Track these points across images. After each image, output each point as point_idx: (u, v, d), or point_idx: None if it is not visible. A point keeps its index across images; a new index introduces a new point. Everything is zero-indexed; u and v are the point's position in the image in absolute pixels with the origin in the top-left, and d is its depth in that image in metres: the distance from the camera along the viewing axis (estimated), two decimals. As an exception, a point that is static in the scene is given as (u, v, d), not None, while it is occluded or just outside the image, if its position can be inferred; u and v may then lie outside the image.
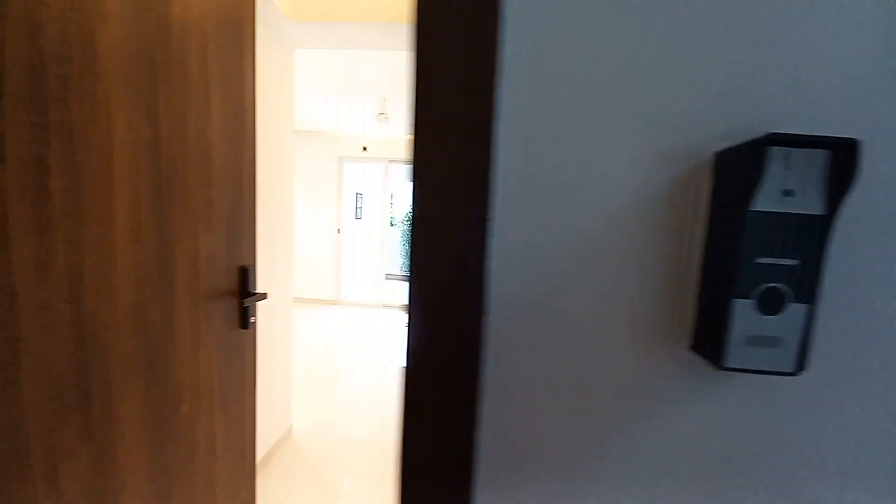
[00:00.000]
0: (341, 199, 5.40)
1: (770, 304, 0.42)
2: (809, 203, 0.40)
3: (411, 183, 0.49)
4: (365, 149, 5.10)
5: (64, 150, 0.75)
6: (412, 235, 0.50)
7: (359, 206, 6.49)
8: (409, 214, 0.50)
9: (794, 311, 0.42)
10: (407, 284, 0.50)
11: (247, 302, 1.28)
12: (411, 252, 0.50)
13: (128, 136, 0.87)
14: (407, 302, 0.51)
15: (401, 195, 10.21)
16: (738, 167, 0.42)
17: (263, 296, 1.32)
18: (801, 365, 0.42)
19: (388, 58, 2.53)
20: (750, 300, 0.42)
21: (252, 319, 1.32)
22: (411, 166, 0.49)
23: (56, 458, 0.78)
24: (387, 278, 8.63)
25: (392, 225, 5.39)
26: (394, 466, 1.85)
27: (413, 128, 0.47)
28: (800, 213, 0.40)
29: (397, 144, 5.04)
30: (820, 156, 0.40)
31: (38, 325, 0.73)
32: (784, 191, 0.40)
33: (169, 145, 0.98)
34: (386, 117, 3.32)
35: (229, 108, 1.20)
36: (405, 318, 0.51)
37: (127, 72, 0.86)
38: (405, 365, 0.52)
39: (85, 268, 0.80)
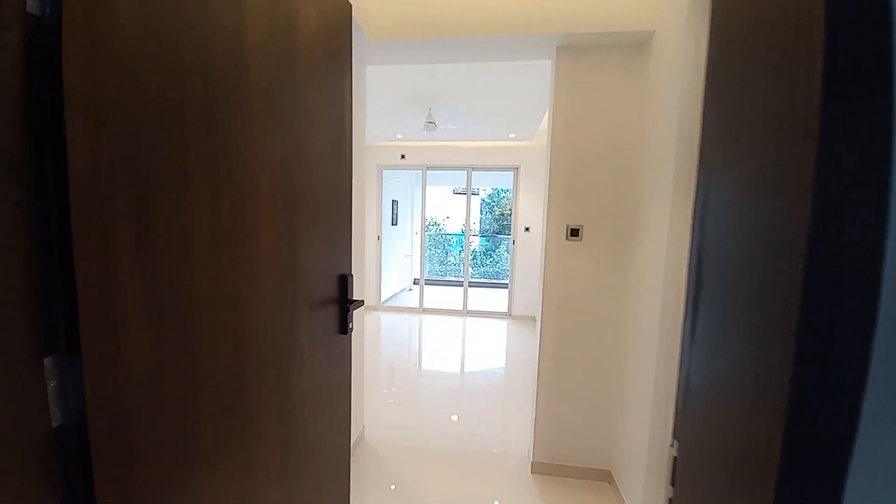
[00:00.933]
0: (380, 206, 5.53)
1: None
2: None
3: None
4: (403, 157, 5.21)
5: (228, 175, 0.83)
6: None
7: (395, 212, 6.62)
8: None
9: None
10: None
11: (348, 308, 1.35)
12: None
13: (267, 159, 0.95)
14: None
15: (435, 202, 10.33)
16: None
17: (361, 302, 1.39)
18: None
19: (437, 68, 2.61)
20: None
21: (350, 325, 1.39)
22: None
23: (218, 458, 0.85)
24: (415, 283, 8.76)
25: (427, 231, 5.45)
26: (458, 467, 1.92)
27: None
28: None
29: (434, 151, 5.12)
30: None
31: (212, 333, 0.81)
32: None
33: (292, 165, 1.06)
34: (434, 125, 3.39)
35: (333, 129, 1.28)
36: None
37: (265, 101, 0.94)
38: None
39: (242, 280, 0.88)
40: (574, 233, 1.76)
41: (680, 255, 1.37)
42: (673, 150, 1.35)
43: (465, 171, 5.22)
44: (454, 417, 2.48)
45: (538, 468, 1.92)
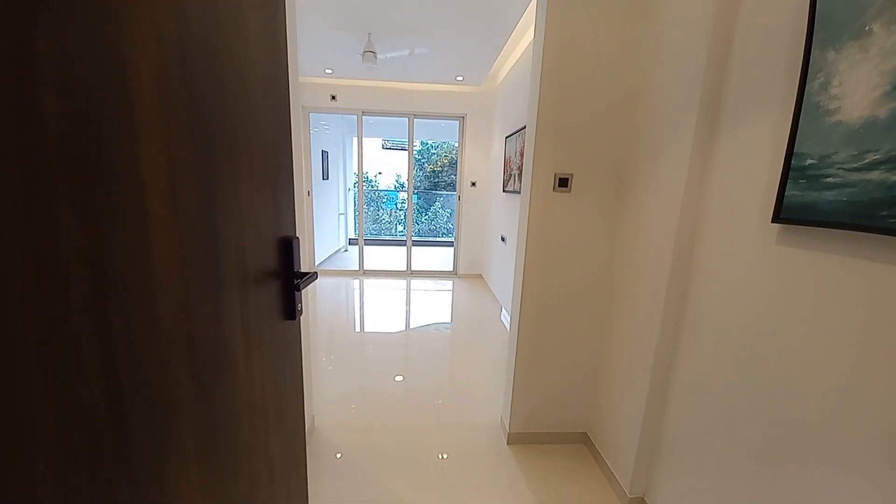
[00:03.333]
0: (308, 157, 4.80)
1: None
2: None
3: None
4: (334, 98, 4.47)
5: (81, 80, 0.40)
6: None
7: (325, 165, 5.87)
8: None
9: None
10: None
11: (296, 285, 0.97)
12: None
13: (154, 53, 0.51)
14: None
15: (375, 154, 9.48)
16: None
17: (314, 275, 1.01)
18: None
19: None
20: None
21: (299, 307, 1.02)
22: None
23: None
24: (350, 243, 8.18)
25: (362, 186, 4.91)
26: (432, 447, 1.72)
27: None
28: None
29: (371, 93, 4.48)
30: None
31: (43, 359, 0.41)
32: None
33: (200, 58, 0.62)
34: (374, 56, 2.82)
35: (263, 37, 0.82)
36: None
37: None
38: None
39: (107, 261, 0.47)
40: (563, 183, 1.53)
41: (698, 208, 1.21)
42: (699, 83, 1.14)
43: (406, 119, 4.70)
44: (399, 378, 2.28)
45: (515, 439, 1.81)
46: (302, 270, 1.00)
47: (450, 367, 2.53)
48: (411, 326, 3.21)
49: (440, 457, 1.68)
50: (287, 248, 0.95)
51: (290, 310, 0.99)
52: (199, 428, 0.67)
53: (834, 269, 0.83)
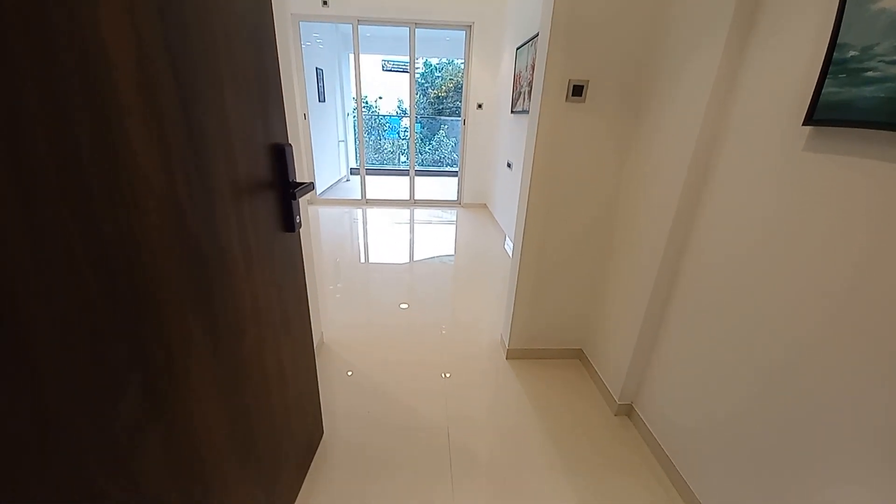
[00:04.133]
0: (301, 74, 4.45)
1: None
2: None
3: None
4: (325, 3, 4.00)
5: None
6: None
7: (321, 85, 5.48)
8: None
9: None
10: None
11: (292, 194, 0.93)
12: None
13: None
14: None
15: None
16: None
17: (310, 186, 0.97)
18: None
19: None
20: None
21: (298, 220, 1.00)
22: None
23: (121, 434, 0.53)
24: (352, 172, 7.97)
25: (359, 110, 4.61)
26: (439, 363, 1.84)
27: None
28: None
29: (365, -1, 3.99)
30: None
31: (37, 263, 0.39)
32: None
33: None
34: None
35: None
36: None
37: None
38: None
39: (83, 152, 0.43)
40: (577, 91, 1.40)
41: (720, 118, 1.11)
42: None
43: (407, 29, 4.26)
44: (403, 306, 2.36)
45: (514, 354, 1.91)
46: (297, 180, 0.96)
47: (453, 295, 2.60)
48: (415, 259, 3.23)
49: (443, 375, 1.79)
50: (279, 155, 0.90)
51: (289, 222, 0.97)
52: (205, 331, 0.68)
53: (862, 175, 0.77)
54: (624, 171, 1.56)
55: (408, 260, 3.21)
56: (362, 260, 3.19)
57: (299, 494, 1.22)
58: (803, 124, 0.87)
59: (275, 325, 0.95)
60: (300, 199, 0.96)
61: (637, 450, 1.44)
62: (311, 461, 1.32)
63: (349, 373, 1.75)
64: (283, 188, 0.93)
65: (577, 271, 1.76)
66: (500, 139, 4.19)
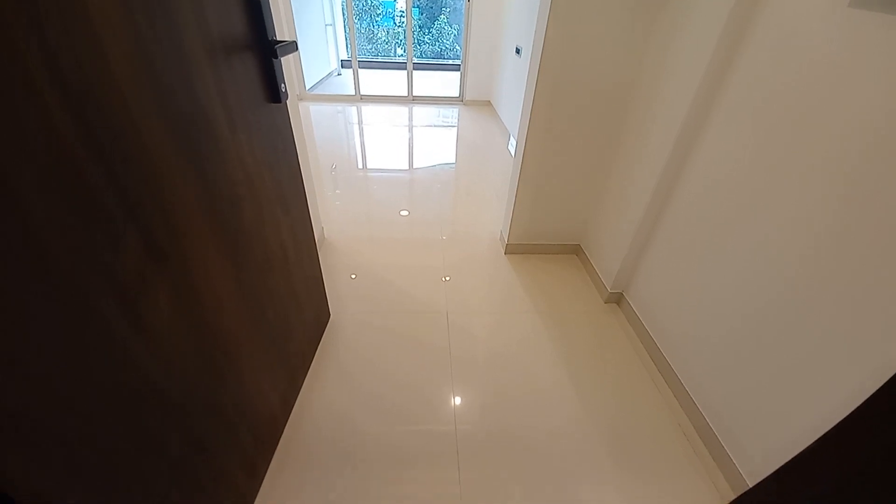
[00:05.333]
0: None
1: None
2: None
3: None
4: None
5: None
6: None
7: (299, -49, 4.64)
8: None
9: None
10: None
11: (273, 52, 0.83)
12: None
13: None
14: None
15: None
16: None
17: (293, 45, 0.86)
18: None
19: None
20: None
21: (283, 88, 0.90)
22: None
23: (129, 293, 0.53)
24: (343, 65, 7.24)
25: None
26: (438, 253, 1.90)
27: None
28: None
29: None
30: None
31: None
32: None
33: None
34: None
35: None
36: None
37: None
38: None
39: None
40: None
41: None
42: None
43: None
44: (404, 213, 2.33)
45: (512, 249, 1.94)
46: (278, 38, 0.84)
47: (454, 198, 2.54)
48: (415, 166, 3.08)
49: (444, 279, 1.85)
50: (254, 3, 0.77)
51: (273, 90, 0.88)
52: (202, 206, 0.66)
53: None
54: (647, 51, 1.39)
55: (407, 167, 3.07)
56: (360, 166, 3.05)
57: (312, 363, 1.35)
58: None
59: (271, 202, 0.93)
60: (285, 55, 0.86)
61: (623, 331, 1.56)
62: (320, 338, 1.43)
63: (353, 275, 1.78)
64: (262, 48, 0.82)
65: (582, 165, 1.69)
66: (510, 20, 3.70)
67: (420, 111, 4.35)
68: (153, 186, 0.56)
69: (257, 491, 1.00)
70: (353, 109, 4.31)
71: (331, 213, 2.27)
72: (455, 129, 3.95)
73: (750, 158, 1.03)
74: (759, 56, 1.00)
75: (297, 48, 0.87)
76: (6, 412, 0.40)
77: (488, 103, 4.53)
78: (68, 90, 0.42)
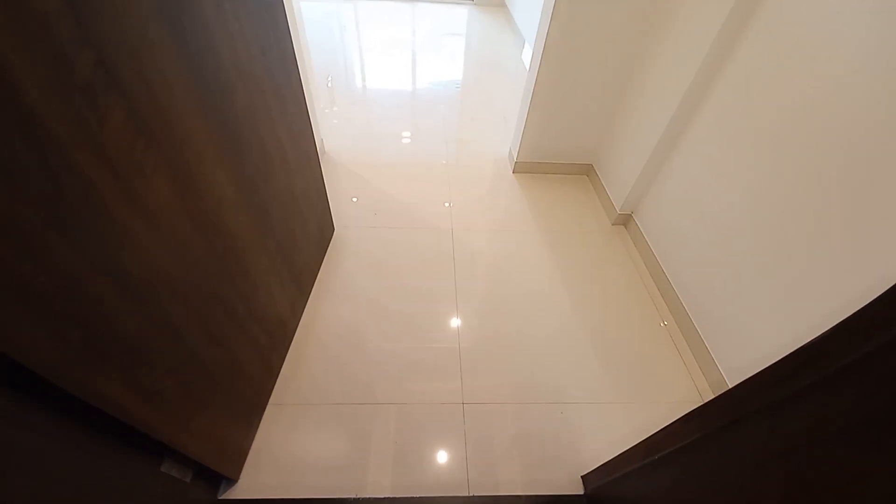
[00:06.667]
0: None
1: None
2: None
3: None
4: None
5: None
6: None
7: None
8: None
9: None
10: None
11: None
12: None
13: None
14: None
15: None
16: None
17: None
18: None
19: None
20: None
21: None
22: None
23: (120, 170, 0.49)
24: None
25: None
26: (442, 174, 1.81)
27: None
28: None
29: None
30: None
31: None
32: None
33: None
34: None
35: None
36: None
37: None
38: None
39: None
40: None
41: None
42: None
43: None
44: (406, 135, 2.18)
45: (521, 167, 1.86)
46: None
47: (459, 119, 2.34)
48: (419, 84, 2.77)
49: (446, 203, 1.78)
50: None
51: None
52: (187, 83, 0.59)
53: None
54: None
55: (411, 85, 2.78)
56: (358, 82, 2.76)
57: (318, 276, 1.36)
58: None
59: (265, 94, 0.84)
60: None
61: (626, 251, 1.56)
62: (325, 251, 1.43)
63: (354, 199, 1.69)
64: None
65: (600, 81, 1.54)
66: None
67: (424, 12, 3.88)
68: (132, 58, 0.49)
69: (272, 388, 1.07)
70: (349, 8, 3.84)
71: (329, 130, 2.12)
72: (463, 37, 3.55)
73: (778, 80, 0.92)
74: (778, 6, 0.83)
75: None
76: (16, 285, 0.39)
77: (503, 4, 4.02)
78: None
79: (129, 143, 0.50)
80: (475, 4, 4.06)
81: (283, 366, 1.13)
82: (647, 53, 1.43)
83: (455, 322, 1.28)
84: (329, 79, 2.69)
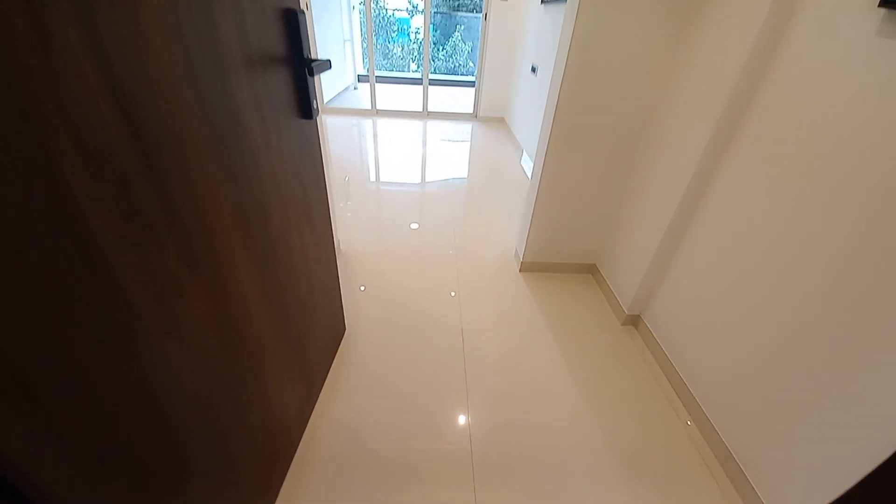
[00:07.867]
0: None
1: None
2: None
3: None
4: None
5: None
6: None
7: (323, -29, 4.80)
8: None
9: None
10: None
11: (310, 69, 0.85)
12: None
13: None
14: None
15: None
16: None
17: (328, 63, 0.88)
18: None
19: None
20: None
21: (315, 105, 0.93)
22: None
23: (164, 298, 0.54)
24: (360, 80, 7.40)
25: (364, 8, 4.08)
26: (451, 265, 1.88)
27: None
28: None
29: None
30: None
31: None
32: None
33: None
34: None
35: None
36: None
37: None
38: None
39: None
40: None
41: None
42: None
43: None
44: (414, 226, 2.34)
45: (527, 267, 1.93)
46: (313, 57, 0.87)
47: (466, 214, 2.53)
48: (427, 179, 3.09)
49: (451, 294, 1.84)
50: (292, 21, 0.80)
51: (306, 106, 0.90)
52: (235, 214, 0.67)
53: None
54: (669, 76, 1.40)
55: (419, 181, 3.08)
56: (372, 179, 3.07)
57: (327, 378, 1.34)
58: (879, 6, 0.75)
59: (298, 213, 0.94)
60: (320, 72, 0.88)
61: (640, 354, 1.53)
62: (336, 351, 1.43)
63: (362, 287, 1.78)
64: (297, 65, 0.84)
65: (600, 185, 1.70)
66: (526, 38, 3.76)
67: (434, 126, 4.41)
68: (192, 194, 0.57)
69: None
70: (369, 123, 4.39)
71: (341, 224, 2.29)
72: (468, 143, 3.98)
73: (776, 184, 1.02)
74: (783, 85, 1.00)
75: (330, 66, 0.89)
76: (29, 395, 0.40)
77: (502, 120, 4.58)
78: (119, 93, 0.44)
79: (177, 271, 0.56)
80: (478, 120, 4.63)
81: (285, 480, 1.05)
82: (644, 162, 1.59)
83: (468, 436, 1.21)
84: (346, 177, 2.97)
